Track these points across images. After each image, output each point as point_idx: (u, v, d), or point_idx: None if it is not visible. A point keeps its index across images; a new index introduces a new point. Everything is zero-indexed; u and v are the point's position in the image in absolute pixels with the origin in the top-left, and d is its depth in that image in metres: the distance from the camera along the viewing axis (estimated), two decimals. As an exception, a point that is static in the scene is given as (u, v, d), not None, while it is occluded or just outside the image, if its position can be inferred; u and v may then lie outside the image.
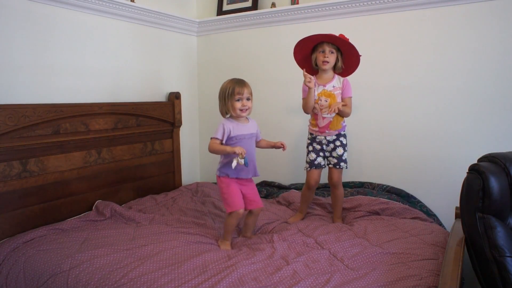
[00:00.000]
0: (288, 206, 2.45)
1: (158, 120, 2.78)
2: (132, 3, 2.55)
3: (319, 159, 2.18)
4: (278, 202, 2.55)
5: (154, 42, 2.84)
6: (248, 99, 1.85)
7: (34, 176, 2.03)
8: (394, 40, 2.49)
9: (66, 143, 2.18)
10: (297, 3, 2.75)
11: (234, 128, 1.86)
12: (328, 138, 2.14)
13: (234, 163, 1.76)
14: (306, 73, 2.01)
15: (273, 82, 2.93)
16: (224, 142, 1.85)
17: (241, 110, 1.83)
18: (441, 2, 2.32)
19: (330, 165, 2.19)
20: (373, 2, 2.47)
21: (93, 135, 2.31)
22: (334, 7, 2.59)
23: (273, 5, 2.85)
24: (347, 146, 2.19)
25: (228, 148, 1.79)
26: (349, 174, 2.69)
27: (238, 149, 1.75)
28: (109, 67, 2.51)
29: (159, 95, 2.91)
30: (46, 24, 2.13)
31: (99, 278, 1.51)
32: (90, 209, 2.30)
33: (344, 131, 2.17)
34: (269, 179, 3.00)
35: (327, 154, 2.18)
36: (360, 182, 2.63)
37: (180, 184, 3.00)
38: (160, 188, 2.80)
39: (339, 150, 2.14)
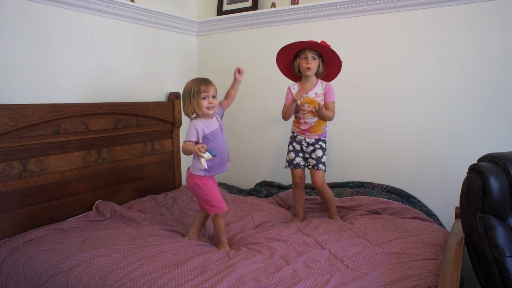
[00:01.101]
0: (288, 209, 2.45)
1: (158, 120, 2.78)
2: (132, 3, 2.55)
3: (298, 159, 2.20)
4: (278, 203, 2.54)
5: (154, 42, 2.84)
6: (214, 97, 1.82)
7: (34, 176, 2.03)
8: (394, 40, 2.49)
9: (66, 143, 2.18)
10: (297, 3, 2.75)
11: (206, 126, 1.82)
12: (307, 140, 2.16)
13: (203, 162, 1.68)
14: (301, 93, 2.08)
15: (273, 81, 2.92)
16: (200, 142, 1.79)
17: (207, 108, 1.80)
18: (441, 2, 2.32)
19: (309, 167, 2.19)
20: (373, 2, 2.47)
21: (93, 135, 2.31)
22: (334, 7, 2.59)
23: (273, 5, 2.85)
24: (327, 151, 2.20)
25: (191, 147, 1.73)
26: (349, 174, 2.69)
27: (196, 147, 1.69)
28: (109, 67, 2.50)
29: (159, 95, 2.91)
30: (46, 24, 2.13)
31: (99, 278, 1.51)
32: (90, 209, 2.30)
33: (324, 136, 2.18)
34: (269, 179, 3.00)
35: (306, 155, 2.19)
36: (360, 182, 2.63)
37: (180, 184, 3.00)
38: (160, 188, 2.80)
39: (318, 152, 2.15)
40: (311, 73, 2.10)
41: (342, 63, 2.12)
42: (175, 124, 2.92)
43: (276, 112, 2.94)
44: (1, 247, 1.79)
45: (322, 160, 2.16)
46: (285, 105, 2.20)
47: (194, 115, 1.83)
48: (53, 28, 2.17)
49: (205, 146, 1.70)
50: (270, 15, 2.83)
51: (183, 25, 3.05)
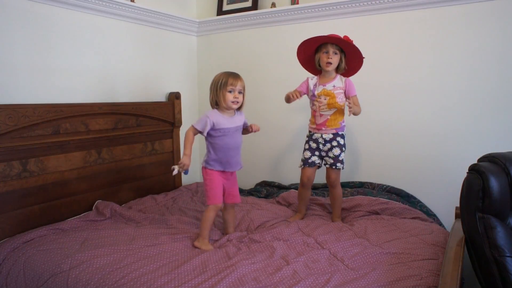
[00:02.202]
0: (288, 207, 2.45)
1: (158, 120, 2.78)
2: (132, 3, 2.55)
3: (314, 158, 2.19)
4: (278, 202, 2.54)
5: (154, 42, 2.84)
6: (240, 92, 1.83)
7: (34, 176, 2.03)
8: (394, 40, 2.49)
9: (66, 143, 2.18)
10: (297, 3, 2.75)
11: (219, 121, 1.83)
12: (324, 136, 2.14)
13: (175, 171, 1.79)
14: (296, 93, 2.09)
15: (273, 81, 2.93)
16: (205, 134, 1.84)
17: (232, 102, 1.81)
18: (441, 2, 2.32)
19: (326, 165, 2.19)
20: (373, 2, 2.47)
21: (93, 135, 2.31)
22: (334, 7, 2.59)
23: (273, 5, 2.85)
24: (345, 147, 2.18)
25: (186, 151, 1.82)
26: (349, 174, 2.69)
27: (182, 160, 1.79)
28: (109, 67, 2.51)
29: (159, 95, 2.91)
30: (46, 24, 2.13)
31: (99, 278, 1.51)
32: (90, 209, 2.30)
33: (342, 131, 2.16)
34: (269, 179, 3.00)
35: (323, 153, 2.18)
36: (360, 182, 2.63)
37: (180, 184, 3.00)
38: (160, 188, 2.80)
39: (336, 151, 2.13)
40: (331, 68, 2.09)
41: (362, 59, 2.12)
42: (175, 124, 2.92)
43: (276, 112, 2.94)
44: (1, 247, 1.78)
45: (340, 158, 2.13)
46: (296, 90, 2.16)
47: (217, 107, 1.87)
48: (53, 28, 2.17)
49: (187, 166, 1.80)
50: (270, 15, 2.84)
51: (183, 25, 3.05)
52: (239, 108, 1.90)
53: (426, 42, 2.40)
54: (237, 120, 1.90)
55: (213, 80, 1.86)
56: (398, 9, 2.44)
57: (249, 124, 1.97)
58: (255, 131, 1.97)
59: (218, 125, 1.83)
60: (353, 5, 2.53)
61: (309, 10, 2.68)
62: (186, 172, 1.82)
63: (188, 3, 3.20)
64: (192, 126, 1.85)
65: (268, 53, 2.93)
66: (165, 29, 2.93)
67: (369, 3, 2.49)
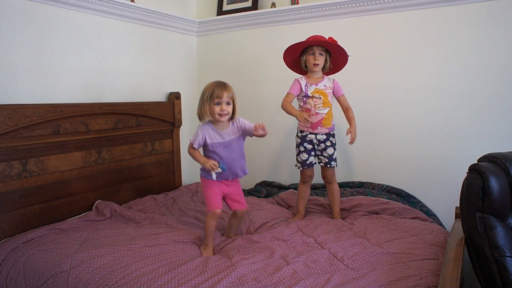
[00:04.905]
0: (288, 209, 2.45)
1: (158, 120, 2.78)
2: (132, 3, 2.55)
3: (311, 158, 2.22)
4: (278, 203, 2.54)
5: (154, 42, 2.85)
6: (228, 103, 1.77)
7: (34, 176, 2.03)
8: (394, 40, 2.49)
9: (66, 143, 2.18)
10: (297, 3, 2.76)
11: (211, 135, 1.81)
12: (319, 137, 2.17)
13: (213, 176, 1.81)
14: (306, 118, 2.07)
15: (273, 81, 2.93)
16: (198, 148, 1.85)
17: (220, 114, 1.75)
18: (441, 2, 2.32)
19: (321, 164, 2.23)
20: (373, 2, 2.47)
21: (93, 135, 2.31)
22: (334, 7, 2.59)
23: (273, 5, 2.85)
24: (337, 145, 2.23)
25: (201, 160, 1.80)
26: (349, 174, 2.69)
27: (208, 165, 1.76)
28: (109, 67, 2.51)
29: (159, 95, 2.91)
30: (46, 24, 2.13)
31: (99, 278, 1.51)
32: (90, 209, 2.30)
33: (333, 130, 2.21)
34: (269, 179, 3.00)
35: (318, 153, 2.22)
36: (360, 182, 2.63)
37: (180, 184, 3.00)
38: (160, 188, 2.80)
39: (330, 150, 2.18)
40: (318, 69, 2.15)
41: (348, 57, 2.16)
42: (175, 124, 2.92)
43: (276, 112, 2.94)
44: (1, 247, 1.78)
45: (334, 157, 2.20)
46: (289, 94, 2.18)
47: (208, 119, 1.80)
48: (53, 28, 2.17)
49: (217, 164, 1.77)
50: (270, 15, 2.84)
51: (183, 25, 3.05)
52: (231, 118, 1.82)
53: (426, 42, 2.40)
54: (231, 133, 1.84)
55: (202, 92, 1.80)
56: (398, 9, 2.44)
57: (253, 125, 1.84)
58: (261, 135, 1.81)
59: (209, 139, 1.80)
60: (353, 5, 2.53)
61: (309, 10, 2.68)
62: (223, 169, 1.79)
63: (188, 3, 3.20)
64: (192, 144, 1.84)
65: (268, 53, 2.92)
66: (165, 29, 2.93)
67: (369, 3, 2.49)
